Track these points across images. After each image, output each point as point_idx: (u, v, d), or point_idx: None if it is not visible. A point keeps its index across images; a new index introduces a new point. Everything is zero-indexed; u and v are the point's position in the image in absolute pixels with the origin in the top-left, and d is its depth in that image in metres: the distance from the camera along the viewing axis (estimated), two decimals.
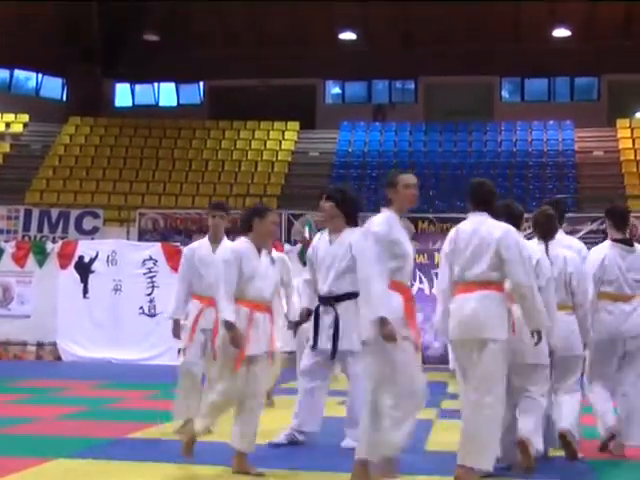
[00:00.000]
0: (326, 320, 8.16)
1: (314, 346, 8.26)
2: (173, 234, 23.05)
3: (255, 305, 7.08)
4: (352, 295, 7.77)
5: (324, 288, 8.21)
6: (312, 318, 8.29)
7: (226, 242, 8.57)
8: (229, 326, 6.88)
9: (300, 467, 7.12)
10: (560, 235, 8.07)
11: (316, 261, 8.38)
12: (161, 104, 36.03)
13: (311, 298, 8.38)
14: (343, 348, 8.04)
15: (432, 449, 8.11)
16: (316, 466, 7.23)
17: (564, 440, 7.35)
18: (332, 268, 8.18)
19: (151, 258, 18.83)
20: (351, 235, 8.07)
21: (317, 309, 8.27)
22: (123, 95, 36.16)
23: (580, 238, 21.67)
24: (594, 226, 22.19)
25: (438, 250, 20.33)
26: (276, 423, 8.52)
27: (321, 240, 8.46)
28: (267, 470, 6.87)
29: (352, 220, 8.44)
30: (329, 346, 8.12)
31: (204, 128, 31.75)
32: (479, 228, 6.88)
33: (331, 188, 9.01)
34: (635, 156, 28.15)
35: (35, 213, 24.46)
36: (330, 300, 8.16)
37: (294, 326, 9.69)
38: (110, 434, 8.52)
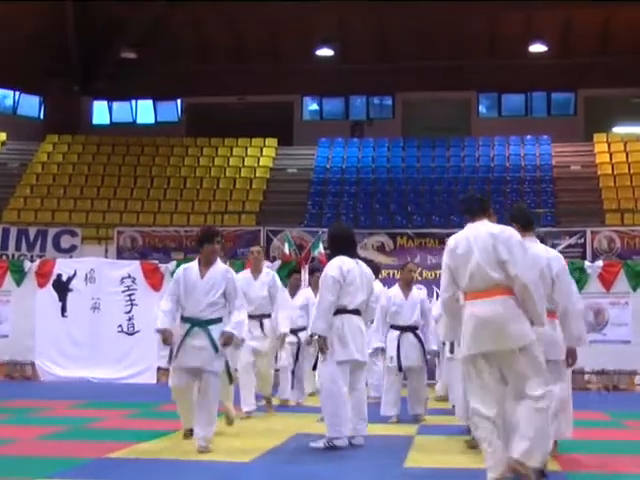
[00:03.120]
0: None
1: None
2: (152, 252, 23.01)
3: None
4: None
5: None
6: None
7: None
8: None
9: None
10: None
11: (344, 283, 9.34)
12: (139, 121, 35.95)
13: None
14: None
15: (411, 465, 8.09)
16: None
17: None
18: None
19: (130, 276, 18.73)
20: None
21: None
22: (101, 113, 36.07)
23: (559, 252, 21.81)
24: (572, 240, 22.30)
25: (417, 265, 20.44)
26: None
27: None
28: None
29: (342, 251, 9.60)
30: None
31: (182, 145, 31.72)
32: (478, 235, 7.02)
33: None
34: (612, 170, 28.32)
35: (13, 232, 24.39)
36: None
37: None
38: (91, 454, 8.45)
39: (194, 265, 9.09)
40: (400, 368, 11.52)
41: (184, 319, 8.97)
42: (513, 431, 6.65)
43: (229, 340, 8.75)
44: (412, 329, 11.71)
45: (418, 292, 12.01)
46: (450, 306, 7.10)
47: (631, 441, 9.90)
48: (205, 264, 8.99)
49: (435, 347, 12.08)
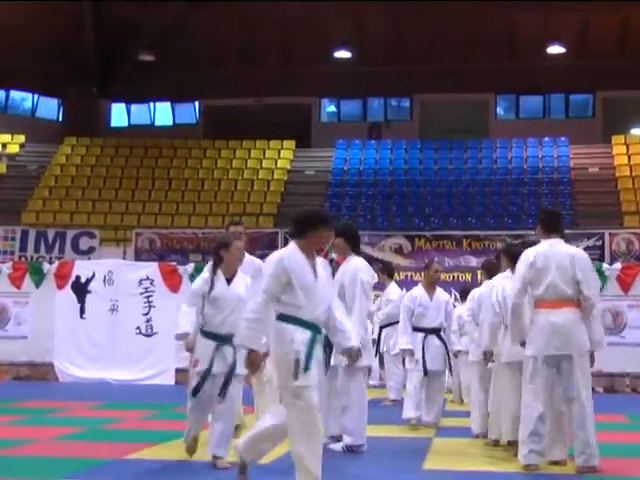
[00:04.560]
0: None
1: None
2: (170, 254, 23.08)
3: None
4: None
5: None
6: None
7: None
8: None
9: None
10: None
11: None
12: (157, 124, 36.04)
13: None
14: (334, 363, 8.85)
15: (429, 468, 8.09)
16: None
17: None
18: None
19: (148, 278, 18.79)
20: (348, 264, 9.26)
21: None
22: (119, 115, 36.19)
23: None
24: (590, 242, 22.23)
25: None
26: None
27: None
28: None
29: (354, 248, 9.46)
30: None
31: (200, 147, 31.78)
32: (556, 252, 7.89)
33: (338, 225, 9.90)
34: (630, 172, 28.20)
35: (32, 234, 24.51)
36: None
37: None
38: (109, 455, 8.48)
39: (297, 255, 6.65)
40: (426, 372, 11.19)
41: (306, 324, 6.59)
42: (559, 431, 7.81)
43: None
44: (436, 331, 11.40)
45: (443, 293, 11.70)
46: (520, 311, 7.92)
47: None
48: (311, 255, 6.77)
49: (460, 347, 11.83)
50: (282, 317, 6.37)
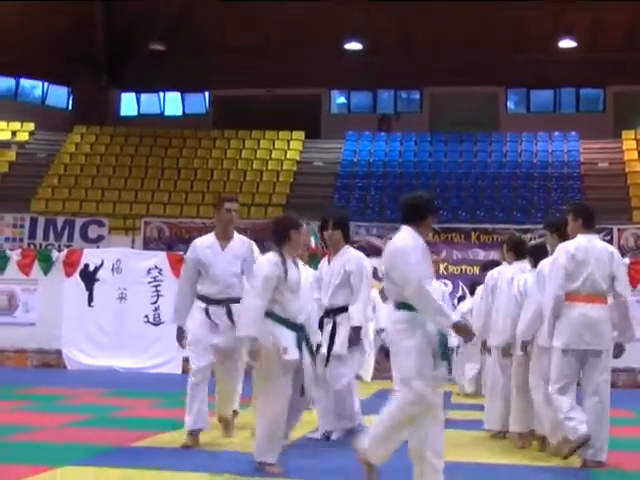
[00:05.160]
0: (326, 329, 9.16)
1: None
2: (178, 243, 23.07)
3: None
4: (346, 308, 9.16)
5: (325, 302, 9.23)
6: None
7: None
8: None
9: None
10: None
11: (320, 280, 9.41)
12: (167, 113, 36.07)
13: (319, 312, 9.23)
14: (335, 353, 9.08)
15: None
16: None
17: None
18: (330, 284, 9.22)
19: (156, 267, 18.82)
20: (346, 254, 9.30)
21: (321, 320, 9.12)
22: (129, 104, 36.22)
23: None
24: (599, 237, 22.15)
25: (443, 261, 20.41)
26: None
27: (324, 261, 9.56)
28: None
29: (348, 239, 9.48)
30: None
31: (209, 137, 31.78)
32: (594, 247, 8.01)
33: (335, 215, 9.73)
34: None
35: (41, 221, 24.55)
36: (329, 312, 9.20)
37: None
38: (116, 442, 8.51)
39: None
40: None
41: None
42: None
43: None
44: None
45: (440, 285, 11.57)
46: (561, 305, 7.87)
47: None
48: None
49: (456, 343, 11.57)
50: None
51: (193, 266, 8.63)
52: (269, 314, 7.11)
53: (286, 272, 7.19)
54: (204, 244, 8.68)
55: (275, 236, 7.40)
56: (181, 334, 8.58)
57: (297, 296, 7.29)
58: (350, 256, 9.29)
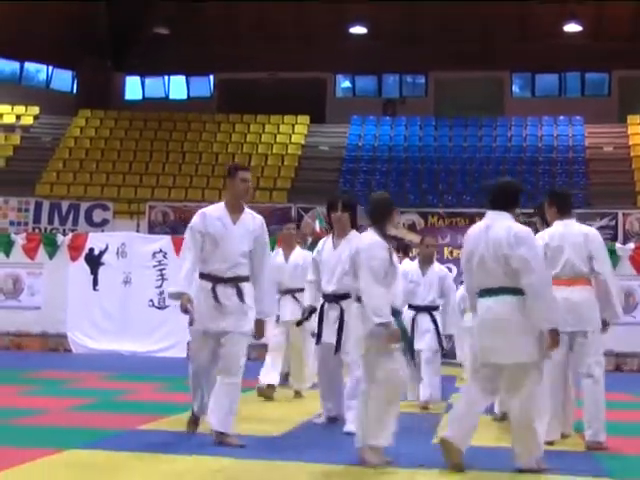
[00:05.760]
0: (331, 316, 8.81)
1: (318, 341, 8.97)
2: (183, 227, 22.96)
3: None
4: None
5: (329, 287, 8.85)
6: (316, 315, 8.99)
7: None
8: None
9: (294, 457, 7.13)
10: None
11: (320, 263, 9.07)
12: (171, 97, 36.04)
13: (315, 297, 9.07)
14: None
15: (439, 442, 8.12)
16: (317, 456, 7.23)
17: None
18: (337, 269, 8.81)
19: (161, 251, 18.87)
20: (355, 238, 8.54)
21: (322, 306, 8.92)
22: (133, 88, 36.18)
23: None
24: (603, 222, 22.18)
25: (447, 245, 20.40)
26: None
27: (326, 243, 9.12)
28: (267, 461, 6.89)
29: (355, 223, 8.98)
30: (334, 340, 8.72)
31: (214, 121, 31.76)
32: (570, 231, 8.05)
33: (344, 197, 9.36)
34: None
35: (45, 205, 24.57)
36: (336, 298, 8.76)
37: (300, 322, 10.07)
38: (121, 426, 8.54)
39: None
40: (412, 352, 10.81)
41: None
42: (557, 410, 7.88)
43: None
44: (429, 310, 10.91)
45: (439, 269, 11.08)
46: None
47: None
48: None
49: (454, 331, 11.13)
50: None
51: (199, 238, 7.73)
52: None
53: (391, 255, 7.14)
54: (213, 215, 7.81)
55: (376, 215, 7.23)
56: (190, 304, 7.62)
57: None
58: (358, 240, 8.73)
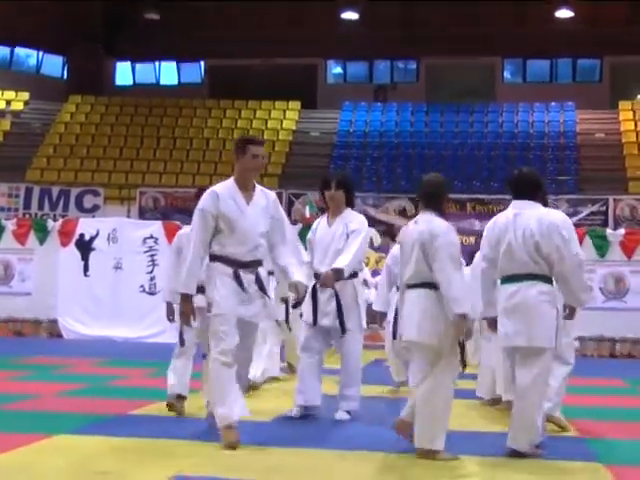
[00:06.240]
0: (322, 298, 8.49)
1: (314, 323, 8.56)
2: (174, 213, 23.08)
3: None
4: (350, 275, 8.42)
5: (322, 267, 8.46)
6: (309, 297, 8.47)
7: None
8: None
9: (290, 443, 7.14)
10: None
11: (314, 242, 8.70)
12: (162, 83, 35.94)
13: (309, 277, 8.45)
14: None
15: None
16: (309, 441, 7.24)
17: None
18: (330, 248, 8.48)
19: (152, 236, 18.87)
20: (350, 216, 8.56)
21: (314, 287, 8.50)
22: (124, 74, 36.08)
23: (581, 219, 21.81)
24: (594, 208, 22.23)
25: None
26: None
27: (320, 223, 8.79)
28: (257, 447, 6.90)
29: (351, 201, 8.71)
30: (327, 322, 8.50)
31: (205, 107, 31.70)
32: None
33: (339, 175, 9.01)
34: (637, 138, 28.12)
35: (36, 191, 24.53)
36: None
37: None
38: (111, 411, 8.55)
39: None
40: (395, 335, 10.14)
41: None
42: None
43: None
44: None
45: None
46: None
47: None
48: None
49: None
50: None
51: (212, 221, 7.05)
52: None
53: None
54: (225, 194, 7.14)
55: (435, 198, 7.13)
56: (192, 306, 7.12)
57: None
58: (352, 217, 8.58)
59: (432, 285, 6.69)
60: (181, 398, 8.54)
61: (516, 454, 6.68)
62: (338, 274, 8.24)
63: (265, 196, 7.28)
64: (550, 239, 6.70)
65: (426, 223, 6.87)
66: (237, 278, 7.01)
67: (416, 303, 6.76)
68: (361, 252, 8.59)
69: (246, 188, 7.18)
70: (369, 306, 10.59)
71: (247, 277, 7.06)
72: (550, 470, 6.39)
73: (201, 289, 7.31)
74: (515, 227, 6.85)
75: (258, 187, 7.31)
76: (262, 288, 7.15)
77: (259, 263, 7.19)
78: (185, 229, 8.53)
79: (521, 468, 6.38)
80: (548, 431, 7.44)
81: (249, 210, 7.11)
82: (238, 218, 7.04)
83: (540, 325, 6.69)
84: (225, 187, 7.18)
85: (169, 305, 8.70)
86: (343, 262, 8.27)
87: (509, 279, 6.85)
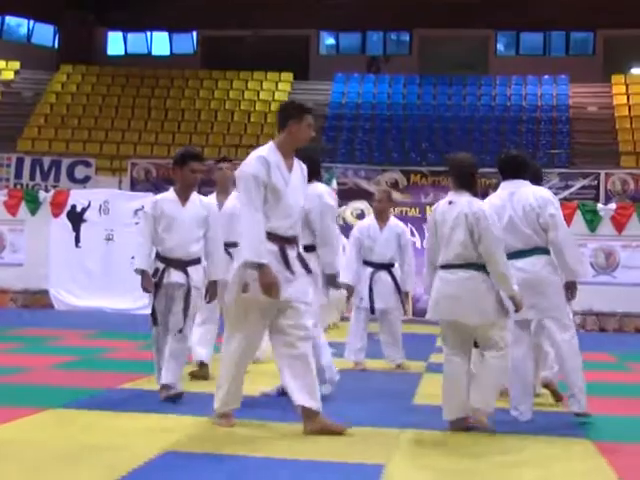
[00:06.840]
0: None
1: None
2: (165, 184, 22.94)
3: None
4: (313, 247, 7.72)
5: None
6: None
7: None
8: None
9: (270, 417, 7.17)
10: None
11: None
12: (154, 53, 35.81)
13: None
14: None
15: (420, 402, 8.19)
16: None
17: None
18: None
19: (143, 208, 18.80)
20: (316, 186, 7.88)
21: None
22: (115, 43, 35.91)
23: (572, 193, 21.82)
24: (586, 182, 22.24)
25: (430, 203, 20.43)
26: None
27: None
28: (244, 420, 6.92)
29: (317, 173, 8.04)
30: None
31: (197, 78, 31.59)
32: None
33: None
34: (629, 112, 28.12)
35: (27, 161, 24.43)
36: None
37: None
38: (103, 384, 8.56)
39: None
40: (372, 310, 10.49)
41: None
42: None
43: None
44: (387, 267, 10.56)
45: (397, 225, 10.68)
46: None
47: (633, 384, 10.01)
48: None
49: (409, 288, 10.77)
50: None
51: (262, 190, 6.40)
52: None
53: None
54: (273, 162, 6.48)
55: (468, 179, 7.10)
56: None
57: None
58: (309, 192, 7.21)
59: (478, 266, 6.81)
60: (203, 365, 9.03)
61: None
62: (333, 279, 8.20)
63: (301, 168, 6.75)
64: (546, 209, 7.19)
65: (466, 205, 6.90)
66: (283, 255, 6.43)
67: (469, 285, 6.81)
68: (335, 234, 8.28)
69: (290, 156, 6.63)
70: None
71: (291, 254, 6.49)
72: (540, 445, 6.42)
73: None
74: (513, 204, 7.27)
75: (297, 161, 6.75)
76: (305, 266, 6.59)
77: (297, 240, 6.65)
78: (163, 195, 8.57)
79: (511, 444, 6.43)
80: (538, 405, 7.50)
81: (292, 181, 6.54)
82: (283, 189, 6.44)
83: (553, 297, 7.18)
84: (272, 153, 6.54)
85: (145, 274, 8.39)
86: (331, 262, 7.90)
87: (515, 255, 7.14)
